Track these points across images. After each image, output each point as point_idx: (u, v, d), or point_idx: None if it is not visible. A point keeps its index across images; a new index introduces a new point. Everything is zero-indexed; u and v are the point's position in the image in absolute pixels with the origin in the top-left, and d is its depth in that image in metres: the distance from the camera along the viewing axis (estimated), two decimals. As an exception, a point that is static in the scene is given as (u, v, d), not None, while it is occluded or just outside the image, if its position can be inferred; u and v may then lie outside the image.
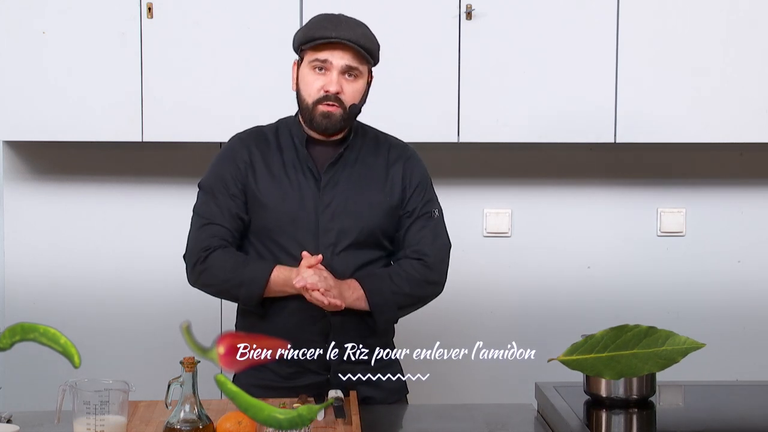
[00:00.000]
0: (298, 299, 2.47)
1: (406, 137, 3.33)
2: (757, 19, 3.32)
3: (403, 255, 2.59)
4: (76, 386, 2.07)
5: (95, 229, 3.58)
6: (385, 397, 2.58)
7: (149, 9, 3.26)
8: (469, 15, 3.27)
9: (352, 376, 2.49)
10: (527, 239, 3.63)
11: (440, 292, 2.66)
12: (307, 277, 2.38)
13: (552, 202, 3.63)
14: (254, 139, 2.58)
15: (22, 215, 3.58)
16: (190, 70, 3.28)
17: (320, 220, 2.50)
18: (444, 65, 3.29)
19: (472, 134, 3.32)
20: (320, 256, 2.43)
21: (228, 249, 2.50)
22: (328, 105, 2.46)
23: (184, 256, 2.57)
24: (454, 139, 3.32)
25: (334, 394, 2.38)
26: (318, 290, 2.37)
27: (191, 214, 2.58)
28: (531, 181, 3.62)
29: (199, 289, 2.57)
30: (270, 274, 2.46)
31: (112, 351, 3.59)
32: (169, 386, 2.09)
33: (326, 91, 2.45)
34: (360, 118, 3.28)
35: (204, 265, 2.50)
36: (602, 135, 3.34)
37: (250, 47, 3.27)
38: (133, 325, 3.57)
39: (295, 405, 2.33)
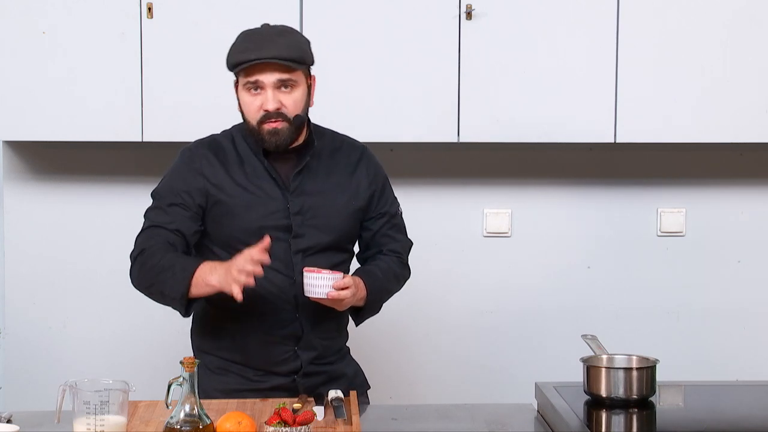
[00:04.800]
0: (267, 300, 2.47)
1: (406, 137, 3.35)
2: (757, 19, 3.32)
3: (378, 253, 2.63)
4: (76, 386, 2.08)
5: (95, 229, 3.58)
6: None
7: (149, 9, 3.26)
8: (469, 15, 3.27)
9: (317, 379, 2.54)
10: (527, 239, 3.63)
11: None
12: (342, 286, 2.36)
13: (552, 202, 3.63)
14: (212, 149, 2.55)
15: (22, 215, 3.58)
16: (190, 70, 3.28)
17: (292, 226, 2.49)
18: (444, 65, 3.29)
19: (472, 134, 3.32)
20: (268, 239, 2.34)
21: (165, 246, 2.44)
22: (272, 122, 2.44)
23: (129, 255, 2.51)
24: (454, 139, 3.32)
25: (334, 394, 2.38)
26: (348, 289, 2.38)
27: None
28: (531, 181, 3.62)
29: (136, 288, 2.49)
30: (197, 267, 2.36)
31: (112, 351, 3.59)
32: (169, 386, 2.09)
33: (265, 110, 2.44)
34: (355, 115, 3.29)
35: (142, 259, 2.44)
36: (602, 135, 3.34)
37: (250, 47, 3.27)
38: (133, 325, 3.57)
39: (295, 405, 2.33)
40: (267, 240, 2.33)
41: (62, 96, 3.28)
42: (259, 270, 2.28)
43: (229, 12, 3.26)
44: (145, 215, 2.55)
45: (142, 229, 2.53)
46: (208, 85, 3.27)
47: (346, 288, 2.38)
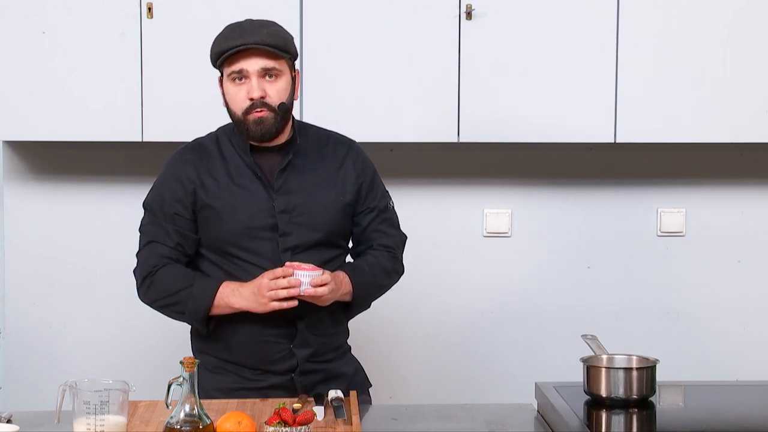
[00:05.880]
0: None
1: (406, 137, 3.35)
2: (757, 19, 3.32)
3: (368, 248, 2.62)
4: (76, 386, 2.08)
5: (95, 229, 3.58)
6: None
7: (149, 9, 3.26)
8: (469, 15, 3.27)
9: (316, 377, 2.54)
10: (527, 239, 3.63)
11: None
12: (312, 283, 2.38)
13: (552, 202, 3.63)
14: (195, 152, 2.57)
15: (22, 215, 3.58)
16: (190, 70, 3.28)
17: (278, 225, 2.50)
18: (444, 65, 3.29)
19: (472, 134, 3.32)
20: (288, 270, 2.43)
21: (175, 265, 2.52)
22: (257, 111, 2.46)
23: (134, 271, 2.58)
24: (454, 139, 3.32)
25: (334, 394, 2.38)
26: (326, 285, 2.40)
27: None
28: (531, 181, 3.62)
29: (147, 304, 2.58)
30: (218, 289, 2.46)
31: (112, 351, 3.59)
32: (169, 386, 2.09)
33: (251, 99, 2.45)
34: (355, 115, 3.29)
35: (152, 279, 2.52)
36: (602, 135, 3.34)
37: (250, 47, 3.27)
38: (133, 325, 3.57)
39: (295, 405, 2.33)
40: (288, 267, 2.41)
41: (62, 96, 3.28)
42: (294, 290, 2.38)
43: (229, 12, 3.25)
44: (140, 229, 2.58)
45: (141, 246, 2.56)
46: (208, 85, 3.25)
47: (324, 285, 2.39)
